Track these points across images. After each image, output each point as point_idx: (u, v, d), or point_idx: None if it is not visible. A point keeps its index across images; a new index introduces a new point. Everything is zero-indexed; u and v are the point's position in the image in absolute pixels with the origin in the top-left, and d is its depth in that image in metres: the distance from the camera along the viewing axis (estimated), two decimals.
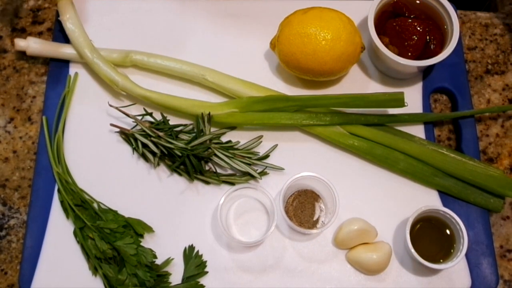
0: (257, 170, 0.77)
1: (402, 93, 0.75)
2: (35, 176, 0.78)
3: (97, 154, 0.79)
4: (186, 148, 0.75)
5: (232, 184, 0.77)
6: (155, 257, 0.73)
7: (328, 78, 0.80)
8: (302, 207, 0.76)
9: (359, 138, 0.78)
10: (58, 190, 0.76)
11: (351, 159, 0.80)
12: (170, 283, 0.73)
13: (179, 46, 0.85)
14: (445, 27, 0.80)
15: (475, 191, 0.77)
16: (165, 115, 0.80)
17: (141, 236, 0.74)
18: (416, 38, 0.78)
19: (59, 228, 0.75)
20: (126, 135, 0.79)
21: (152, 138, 0.76)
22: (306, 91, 0.84)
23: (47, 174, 0.78)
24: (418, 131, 0.81)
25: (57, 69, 0.83)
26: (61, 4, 0.82)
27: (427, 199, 0.78)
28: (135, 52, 0.82)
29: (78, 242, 0.74)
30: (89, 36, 0.82)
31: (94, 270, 0.73)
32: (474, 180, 0.76)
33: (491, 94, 0.86)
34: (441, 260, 0.73)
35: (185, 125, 0.79)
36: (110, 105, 0.79)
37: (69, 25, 0.81)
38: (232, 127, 0.80)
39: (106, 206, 0.76)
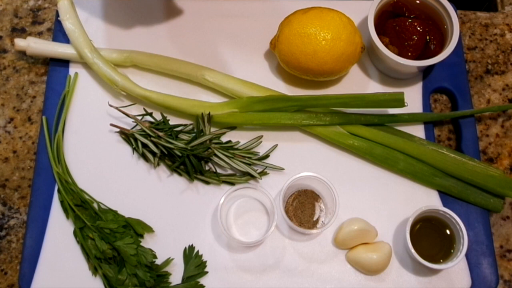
0: (257, 170, 0.77)
1: (402, 93, 0.75)
2: (35, 176, 0.78)
3: (97, 154, 0.79)
4: (186, 148, 0.75)
5: (232, 184, 0.77)
6: (155, 257, 0.73)
7: (328, 78, 0.80)
8: (302, 207, 0.76)
9: (359, 138, 0.78)
10: (58, 190, 0.76)
11: (351, 159, 0.80)
12: (170, 283, 0.73)
13: (179, 46, 0.85)
14: (445, 27, 0.80)
15: (475, 191, 0.77)
16: (165, 115, 0.80)
17: (141, 236, 0.74)
18: (416, 38, 0.78)
19: (59, 228, 0.75)
20: (126, 135, 0.79)
21: (152, 138, 0.76)
22: (306, 91, 0.83)
23: (47, 174, 0.78)
24: (418, 131, 0.81)
25: (57, 69, 0.83)
26: (61, 4, 0.82)
27: (427, 199, 0.78)
28: (135, 52, 0.82)
29: (78, 242, 0.74)
30: (89, 36, 0.82)
31: (94, 270, 0.73)
32: (474, 180, 0.76)
33: (491, 94, 0.86)
34: (441, 260, 0.73)
35: (185, 125, 0.79)
36: (110, 105, 0.79)
37: (69, 25, 0.81)
38: (232, 127, 0.80)
39: (106, 206, 0.76)
